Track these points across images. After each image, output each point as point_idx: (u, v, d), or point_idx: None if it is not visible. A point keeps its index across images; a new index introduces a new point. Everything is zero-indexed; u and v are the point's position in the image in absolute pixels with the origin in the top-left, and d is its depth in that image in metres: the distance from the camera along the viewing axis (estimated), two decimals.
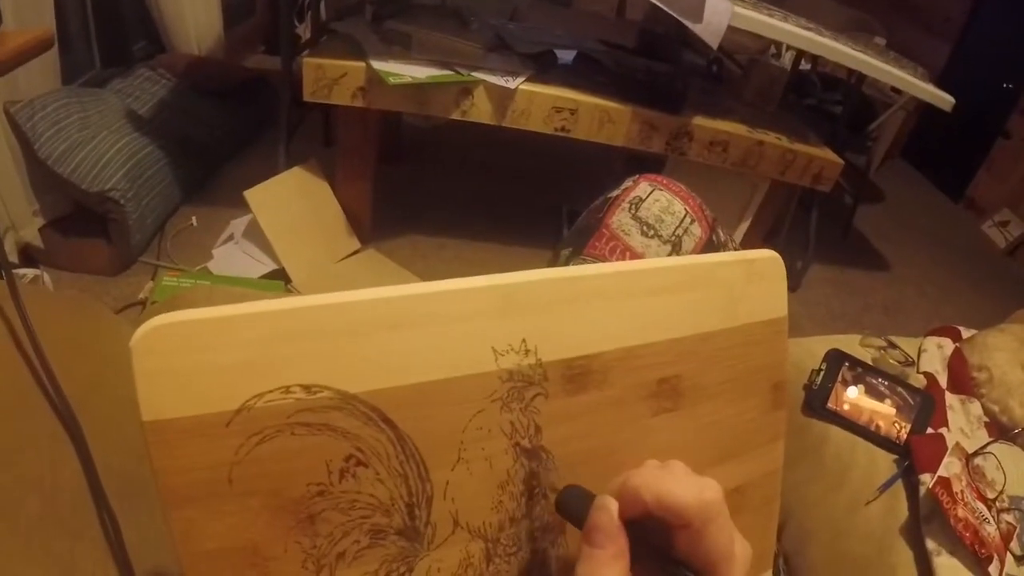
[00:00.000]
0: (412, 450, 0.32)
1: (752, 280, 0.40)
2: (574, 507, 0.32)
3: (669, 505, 0.28)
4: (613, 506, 0.29)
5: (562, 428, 0.34)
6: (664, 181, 0.74)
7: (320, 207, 1.58)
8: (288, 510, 0.30)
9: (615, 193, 0.74)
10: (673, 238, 0.70)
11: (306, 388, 0.29)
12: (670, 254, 0.70)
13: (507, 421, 0.33)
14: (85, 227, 1.44)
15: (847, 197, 2.41)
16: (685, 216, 0.71)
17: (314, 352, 0.30)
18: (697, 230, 0.72)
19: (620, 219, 0.71)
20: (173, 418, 0.27)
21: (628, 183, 0.74)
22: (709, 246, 0.73)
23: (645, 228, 0.69)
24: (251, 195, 1.45)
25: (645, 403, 0.37)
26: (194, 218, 1.66)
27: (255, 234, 1.52)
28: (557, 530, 0.35)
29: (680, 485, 0.28)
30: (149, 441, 0.27)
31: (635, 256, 0.69)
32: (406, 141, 2.16)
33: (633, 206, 0.71)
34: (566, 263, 0.72)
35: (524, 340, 0.34)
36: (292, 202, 1.52)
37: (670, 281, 0.38)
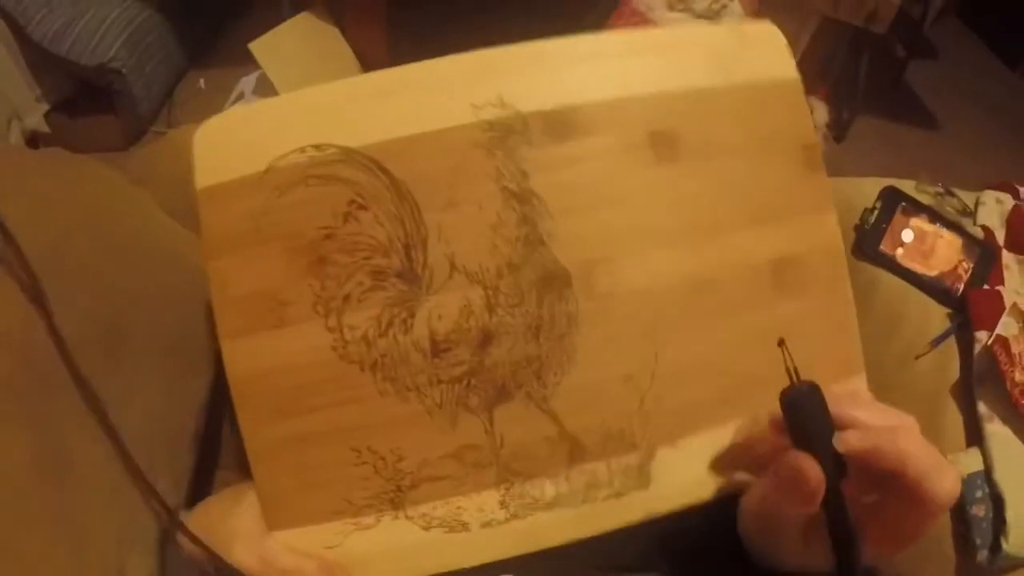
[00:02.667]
0: (406, 193, 0.36)
1: (746, 44, 0.40)
2: (808, 426, 0.30)
3: (904, 469, 0.28)
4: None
5: (551, 175, 0.37)
6: None
7: (332, 54, 1.56)
8: (302, 252, 0.36)
9: None
10: (708, 13, 0.63)
11: (316, 147, 0.36)
12: None
13: (492, 167, 0.36)
14: (91, 105, 1.47)
15: (899, 49, 2.25)
16: None
17: (321, 120, 0.37)
18: (738, 7, 0.63)
19: None
20: (218, 183, 0.37)
21: None
22: None
23: (673, 0, 0.63)
24: (257, 47, 1.45)
25: (639, 152, 0.38)
26: (202, 80, 1.65)
27: (266, 89, 1.48)
28: (563, 282, 0.37)
29: (919, 448, 0.29)
30: (201, 203, 0.37)
31: None
32: None
33: None
34: None
35: (501, 95, 0.37)
36: (301, 51, 1.47)
37: (649, 42, 0.40)
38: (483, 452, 0.35)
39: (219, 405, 0.48)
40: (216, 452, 0.51)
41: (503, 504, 0.35)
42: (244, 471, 0.37)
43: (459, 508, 0.35)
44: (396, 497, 0.35)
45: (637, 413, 0.36)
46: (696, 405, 0.37)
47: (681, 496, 0.36)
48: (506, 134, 0.37)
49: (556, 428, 0.36)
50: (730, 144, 0.39)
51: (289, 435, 0.35)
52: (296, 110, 0.37)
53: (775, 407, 0.31)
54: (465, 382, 0.36)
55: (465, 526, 0.35)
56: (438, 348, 0.36)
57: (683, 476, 0.36)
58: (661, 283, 0.37)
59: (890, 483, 0.29)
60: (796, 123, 0.41)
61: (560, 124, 0.37)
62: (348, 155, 0.36)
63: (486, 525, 0.35)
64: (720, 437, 0.37)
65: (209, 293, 0.36)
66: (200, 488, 0.48)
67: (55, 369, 0.39)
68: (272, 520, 0.35)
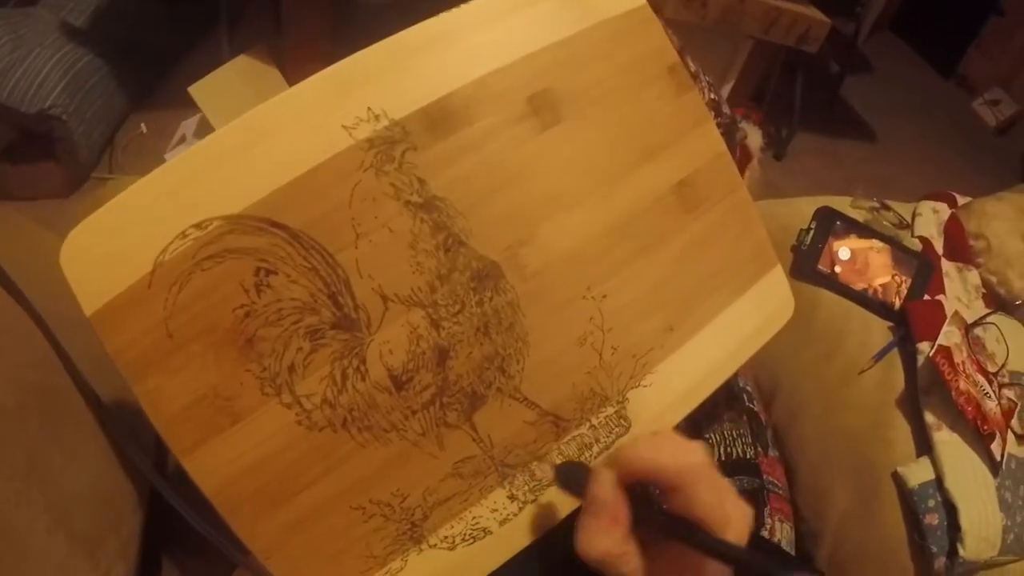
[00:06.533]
0: (310, 241, 0.35)
1: None
2: (574, 481, 0.36)
3: (656, 469, 0.32)
4: (607, 477, 0.33)
5: (447, 172, 0.37)
6: None
7: (272, 96, 1.60)
8: (226, 341, 0.35)
9: None
10: None
11: (197, 226, 0.35)
12: None
13: (387, 184, 0.36)
14: (32, 152, 1.48)
15: (833, 65, 2.37)
16: None
17: (192, 195, 0.35)
18: None
19: None
20: (107, 301, 0.34)
21: None
22: None
23: None
24: (196, 90, 1.49)
25: (524, 123, 0.39)
26: (143, 125, 1.69)
27: (207, 132, 1.52)
28: (495, 275, 0.38)
29: (665, 451, 0.32)
30: (98, 331, 0.34)
31: None
32: (360, 21, 2.12)
33: None
34: None
35: (369, 108, 0.37)
36: (241, 93, 1.54)
37: (492, 10, 0.40)
38: (478, 460, 0.38)
39: (164, 463, 0.47)
40: (165, 511, 0.50)
41: (512, 497, 0.38)
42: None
43: (475, 518, 0.38)
44: (414, 533, 0.37)
45: (600, 368, 0.40)
46: (647, 340, 0.41)
47: (660, 425, 0.41)
48: (390, 147, 0.36)
49: (534, 411, 0.39)
50: (604, 87, 0.41)
51: (289, 522, 0.35)
52: (161, 194, 0.34)
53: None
54: (438, 403, 0.37)
55: (486, 531, 0.38)
56: (400, 381, 0.37)
57: (656, 407, 0.41)
58: (583, 242, 0.40)
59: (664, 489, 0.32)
60: (656, 47, 0.43)
61: (439, 119, 0.37)
62: (235, 223, 0.35)
63: (504, 522, 0.38)
64: (676, 361, 0.41)
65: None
66: (150, 549, 0.49)
67: None
68: None
